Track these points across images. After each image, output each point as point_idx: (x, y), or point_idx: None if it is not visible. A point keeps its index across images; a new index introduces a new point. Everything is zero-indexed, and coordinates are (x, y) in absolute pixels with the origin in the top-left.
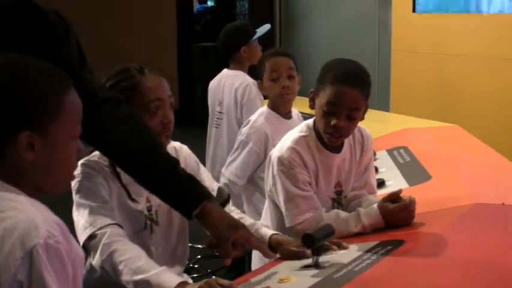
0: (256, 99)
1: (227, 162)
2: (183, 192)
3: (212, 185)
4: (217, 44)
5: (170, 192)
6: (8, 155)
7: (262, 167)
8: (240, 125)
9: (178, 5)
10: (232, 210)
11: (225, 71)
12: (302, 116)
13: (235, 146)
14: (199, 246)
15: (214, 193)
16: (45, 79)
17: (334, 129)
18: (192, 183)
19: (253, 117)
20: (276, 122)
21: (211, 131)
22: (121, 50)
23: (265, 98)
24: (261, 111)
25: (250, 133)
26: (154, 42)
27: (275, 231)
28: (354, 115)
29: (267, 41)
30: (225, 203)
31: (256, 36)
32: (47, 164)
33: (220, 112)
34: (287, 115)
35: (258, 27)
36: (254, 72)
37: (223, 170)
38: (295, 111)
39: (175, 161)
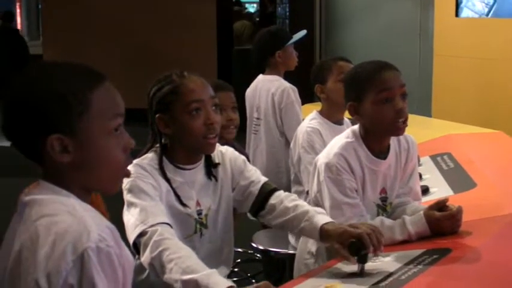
0: (295, 104)
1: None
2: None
3: (260, 178)
4: (252, 49)
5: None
6: (47, 160)
7: None
8: (279, 129)
9: (219, 7)
10: (288, 195)
11: (260, 76)
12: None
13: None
14: (240, 249)
15: (260, 184)
16: (65, 80)
17: (402, 114)
18: None
19: (304, 124)
20: (327, 126)
21: (250, 137)
22: (161, 52)
23: (303, 103)
24: (312, 117)
25: (311, 138)
26: (194, 45)
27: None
28: (405, 91)
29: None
30: (272, 191)
31: (291, 42)
32: (87, 163)
33: (258, 118)
34: (339, 121)
35: (298, 31)
36: (290, 77)
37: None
38: (345, 119)
39: None
